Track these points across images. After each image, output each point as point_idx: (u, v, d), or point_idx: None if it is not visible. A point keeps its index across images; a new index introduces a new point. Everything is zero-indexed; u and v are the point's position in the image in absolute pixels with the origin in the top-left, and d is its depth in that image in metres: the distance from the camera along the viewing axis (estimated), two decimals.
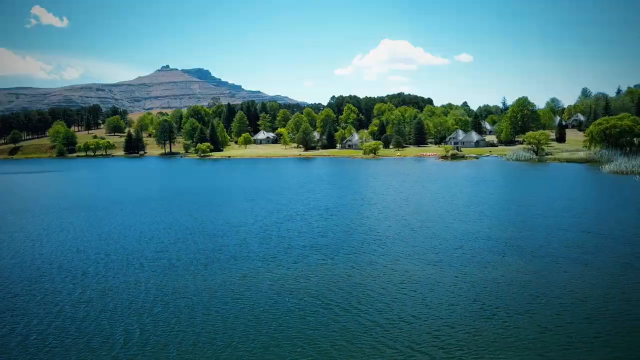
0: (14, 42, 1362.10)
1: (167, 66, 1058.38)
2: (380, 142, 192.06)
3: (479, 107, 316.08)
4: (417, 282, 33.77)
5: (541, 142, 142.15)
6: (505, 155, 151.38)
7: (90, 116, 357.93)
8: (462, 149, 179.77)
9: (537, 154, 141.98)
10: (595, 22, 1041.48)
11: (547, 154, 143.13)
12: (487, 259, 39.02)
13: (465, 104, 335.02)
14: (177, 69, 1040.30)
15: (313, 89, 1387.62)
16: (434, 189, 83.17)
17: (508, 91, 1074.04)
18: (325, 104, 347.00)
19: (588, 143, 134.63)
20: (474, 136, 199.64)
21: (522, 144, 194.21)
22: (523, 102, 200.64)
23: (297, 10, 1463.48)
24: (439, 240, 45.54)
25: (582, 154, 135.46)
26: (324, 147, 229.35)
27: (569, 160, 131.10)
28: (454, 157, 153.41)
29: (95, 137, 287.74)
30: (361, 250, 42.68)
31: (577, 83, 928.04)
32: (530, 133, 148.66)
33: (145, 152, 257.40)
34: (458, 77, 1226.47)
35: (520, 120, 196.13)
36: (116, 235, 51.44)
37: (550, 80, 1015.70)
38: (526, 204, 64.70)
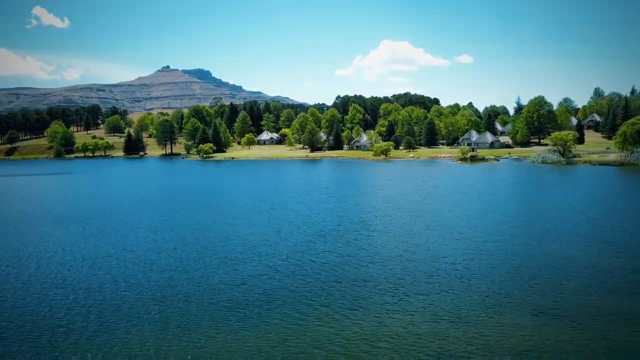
0: (15, 42, 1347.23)
1: (168, 66, 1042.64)
2: (392, 143, 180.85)
3: (486, 108, 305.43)
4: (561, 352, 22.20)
5: (568, 143, 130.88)
6: (528, 157, 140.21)
7: (90, 116, 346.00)
8: (477, 150, 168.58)
9: (563, 156, 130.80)
10: (596, 22, 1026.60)
11: (574, 156, 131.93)
12: (625, 308, 27.53)
13: (470, 104, 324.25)
14: (177, 70, 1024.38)
15: (313, 89, 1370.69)
16: (475, 197, 71.69)
17: (509, 92, 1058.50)
18: (329, 104, 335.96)
19: (620, 144, 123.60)
20: (489, 137, 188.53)
21: (538, 145, 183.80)
22: (539, 102, 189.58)
23: (297, 11, 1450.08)
24: (534, 274, 34.02)
25: (613, 156, 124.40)
26: (331, 148, 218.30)
27: (601, 163, 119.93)
28: (473, 159, 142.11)
29: (94, 137, 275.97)
30: (442, 290, 30.93)
31: (577, 83, 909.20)
32: (556, 133, 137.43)
33: (145, 153, 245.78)
34: (458, 78, 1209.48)
35: (536, 121, 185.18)
36: (107, 260, 39.77)
37: (551, 80, 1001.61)
38: (602, 218, 53.29)
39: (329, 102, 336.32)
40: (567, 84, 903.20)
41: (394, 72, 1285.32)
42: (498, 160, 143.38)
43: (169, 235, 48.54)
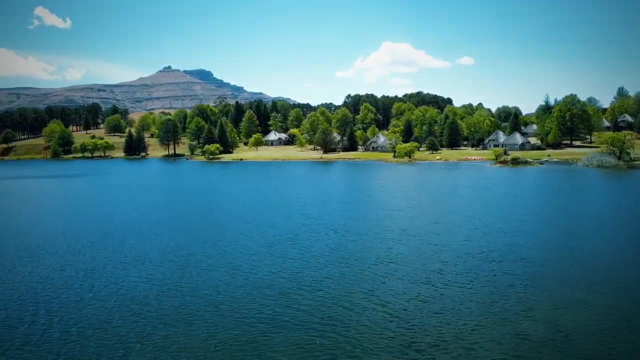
0: (17, 42, 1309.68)
1: (169, 67, 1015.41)
2: (416, 144, 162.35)
3: (498, 109, 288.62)
4: None
5: (626, 144, 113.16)
6: (579, 160, 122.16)
7: (89, 115, 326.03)
8: (509, 152, 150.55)
9: (620, 159, 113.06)
10: (596, 22, 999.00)
11: (632, 159, 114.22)
12: None
13: (480, 104, 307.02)
14: (178, 70, 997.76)
15: (314, 90, 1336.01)
16: (593, 220, 53.65)
17: (510, 93, 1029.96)
18: (337, 104, 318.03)
19: None
20: (519, 138, 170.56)
21: (570, 146, 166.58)
22: (571, 101, 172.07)
23: (298, 11, 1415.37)
24: None
25: None
26: (345, 149, 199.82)
27: None
28: (515, 162, 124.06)
29: (93, 137, 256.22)
30: None
31: (579, 84, 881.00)
32: (610, 134, 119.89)
33: (147, 154, 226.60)
34: (460, 80, 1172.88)
35: (568, 121, 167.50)
36: (90, 339, 21.39)
37: (552, 81, 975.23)
38: None
39: (337, 103, 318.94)
40: (568, 85, 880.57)
41: (395, 73, 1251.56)
42: (542, 164, 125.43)
43: (198, 293, 30.09)
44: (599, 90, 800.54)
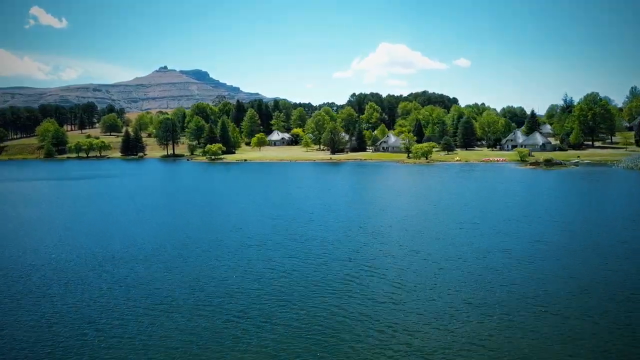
0: (12, 42, 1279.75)
1: (165, 67, 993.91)
2: (433, 144, 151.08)
3: (503, 109, 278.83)
4: None
5: None
6: (618, 162, 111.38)
7: (85, 115, 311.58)
8: (532, 153, 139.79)
9: None
10: (595, 22, 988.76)
11: None
12: None
13: (483, 105, 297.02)
14: (175, 70, 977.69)
15: (312, 90, 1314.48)
16: None
17: (509, 94, 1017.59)
18: (338, 103, 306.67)
19: None
20: (539, 138, 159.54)
21: (592, 147, 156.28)
22: (593, 99, 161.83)
23: (295, 12, 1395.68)
24: None
25: None
26: (353, 149, 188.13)
27: None
28: (549, 164, 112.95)
29: (88, 136, 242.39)
30: None
31: (581, 84, 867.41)
32: None
33: (145, 154, 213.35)
34: (457, 81, 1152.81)
35: (590, 120, 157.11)
36: None
37: (553, 83, 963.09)
38: None
39: (339, 102, 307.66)
40: (570, 85, 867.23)
41: (392, 74, 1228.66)
42: (577, 166, 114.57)
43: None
44: (599, 91, 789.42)
